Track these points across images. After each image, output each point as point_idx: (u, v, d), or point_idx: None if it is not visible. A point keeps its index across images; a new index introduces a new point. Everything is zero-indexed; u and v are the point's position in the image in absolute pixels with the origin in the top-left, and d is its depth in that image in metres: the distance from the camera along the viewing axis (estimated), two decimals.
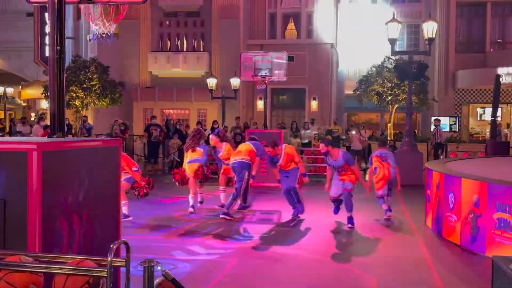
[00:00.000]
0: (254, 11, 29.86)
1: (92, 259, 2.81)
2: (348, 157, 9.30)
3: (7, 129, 22.06)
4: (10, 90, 29.79)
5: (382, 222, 9.77)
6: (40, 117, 20.03)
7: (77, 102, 24.98)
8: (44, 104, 29.03)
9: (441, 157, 18.36)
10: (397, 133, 24.89)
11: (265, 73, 16.40)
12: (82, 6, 6.35)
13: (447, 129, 25.63)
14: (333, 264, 6.83)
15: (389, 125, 25.23)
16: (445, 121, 27.25)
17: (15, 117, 31.26)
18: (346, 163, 9.15)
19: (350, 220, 9.13)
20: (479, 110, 30.26)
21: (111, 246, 2.67)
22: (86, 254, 3.54)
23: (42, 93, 25.56)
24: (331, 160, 9.28)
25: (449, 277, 6.44)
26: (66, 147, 3.79)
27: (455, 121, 27.13)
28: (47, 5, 4.55)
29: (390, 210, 10.07)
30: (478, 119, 30.31)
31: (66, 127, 17.80)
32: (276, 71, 16.56)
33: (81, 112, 25.45)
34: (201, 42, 30.23)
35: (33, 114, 30.58)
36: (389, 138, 22.57)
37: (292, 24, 30.09)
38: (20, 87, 30.40)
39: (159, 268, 2.78)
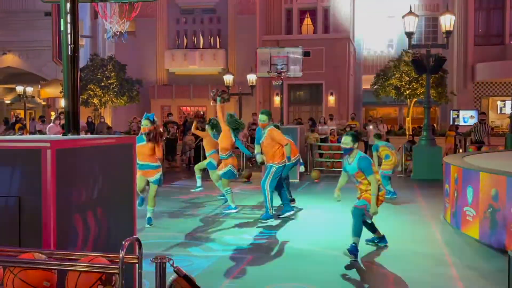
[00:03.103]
0: (270, 7, 29.81)
1: (104, 256, 2.83)
2: (364, 164, 6.82)
3: (27, 128, 22.32)
4: (29, 90, 30.10)
5: (399, 216, 9.71)
6: (57, 116, 20.22)
7: (95, 100, 25.19)
8: (64, 103, 29.28)
9: None
10: (416, 127, 24.68)
11: (281, 69, 16.37)
12: (96, 5, 6.39)
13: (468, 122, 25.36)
14: (349, 260, 6.79)
15: (407, 119, 25.02)
16: (465, 114, 26.97)
17: (35, 116, 31.60)
18: (360, 171, 6.85)
19: (353, 248, 6.74)
20: (499, 103, 29.90)
21: (123, 242, 2.68)
22: (101, 250, 3.56)
23: (61, 92, 25.77)
24: (347, 163, 7.05)
25: (467, 271, 6.38)
26: (80, 144, 3.82)
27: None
28: (60, 3, 4.58)
29: (395, 193, 11.84)
30: (498, 112, 29.93)
31: (88, 125, 17.78)
32: (292, 67, 16.53)
33: (100, 110, 25.65)
34: (218, 38, 30.26)
35: (52, 113, 30.89)
36: (407, 133, 22.39)
37: (309, 19, 29.99)
38: (40, 86, 30.70)
39: (171, 264, 2.79)
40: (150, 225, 8.74)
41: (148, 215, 8.81)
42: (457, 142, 19.86)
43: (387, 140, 21.89)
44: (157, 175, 8.68)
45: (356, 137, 6.96)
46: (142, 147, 8.33)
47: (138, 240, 2.78)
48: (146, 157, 8.49)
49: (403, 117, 28.89)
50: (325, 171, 16.74)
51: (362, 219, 6.91)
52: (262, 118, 9.48)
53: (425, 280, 6.01)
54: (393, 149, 12.51)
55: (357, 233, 6.79)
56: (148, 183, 8.85)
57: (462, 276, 6.16)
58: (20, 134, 17.97)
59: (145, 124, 8.67)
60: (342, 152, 7.10)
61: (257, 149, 9.61)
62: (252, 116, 23.18)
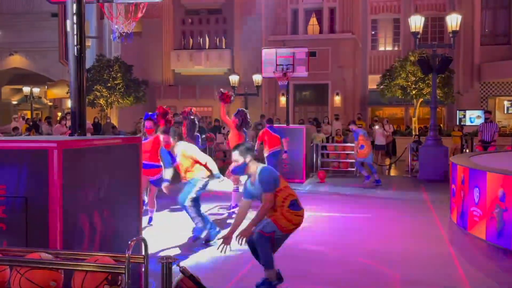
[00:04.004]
0: (276, 7, 29.78)
1: (110, 256, 2.83)
2: (264, 176, 5.27)
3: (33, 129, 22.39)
4: (36, 90, 30.23)
5: (405, 217, 9.69)
6: (63, 117, 20.28)
7: (102, 101, 25.24)
8: (70, 104, 29.35)
9: None
10: (422, 127, 24.61)
11: (286, 69, 16.36)
12: (102, 6, 6.41)
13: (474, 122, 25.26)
14: (355, 260, 6.78)
15: (414, 119, 24.94)
16: (471, 114, 26.87)
17: (42, 117, 31.73)
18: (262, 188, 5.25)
19: (264, 284, 5.45)
20: (506, 103, 29.78)
21: (129, 242, 2.69)
22: (107, 250, 3.57)
23: (67, 93, 25.86)
24: (249, 183, 5.43)
25: (474, 272, 6.35)
26: (86, 145, 3.83)
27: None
28: (67, 4, 4.60)
29: (368, 178, 13.50)
30: (505, 112, 29.81)
31: (94, 125, 17.79)
32: (297, 67, 16.52)
33: (106, 111, 25.71)
34: (223, 39, 30.29)
35: (59, 114, 31.01)
36: (413, 133, 22.34)
37: (314, 19, 29.95)
38: (46, 87, 30.82)
39: (177, 264, 2.80)
40: (150, 224, 8.65)
41: (149, 215, 8.75)
42: (463, 142, 19.79)
43: (393, 141, 22.01)
44: (158, 174, 8.59)
45: (245, 149, 5.35)
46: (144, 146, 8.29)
47: (144, 240, 2.79)
48: (147, 156, 8.36)
49: (409, 117, 28.78)
50: (331, 171, 16.75)
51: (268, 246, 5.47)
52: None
53: (432, 281, 5.99)
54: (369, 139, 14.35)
55: (268, 264, 5.44)
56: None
57: (469, 276, 6.13)
58: (27, 135, 18.05)
59: (149, 126, 8.68)
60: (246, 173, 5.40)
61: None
62: (260, 118, 23.17)
